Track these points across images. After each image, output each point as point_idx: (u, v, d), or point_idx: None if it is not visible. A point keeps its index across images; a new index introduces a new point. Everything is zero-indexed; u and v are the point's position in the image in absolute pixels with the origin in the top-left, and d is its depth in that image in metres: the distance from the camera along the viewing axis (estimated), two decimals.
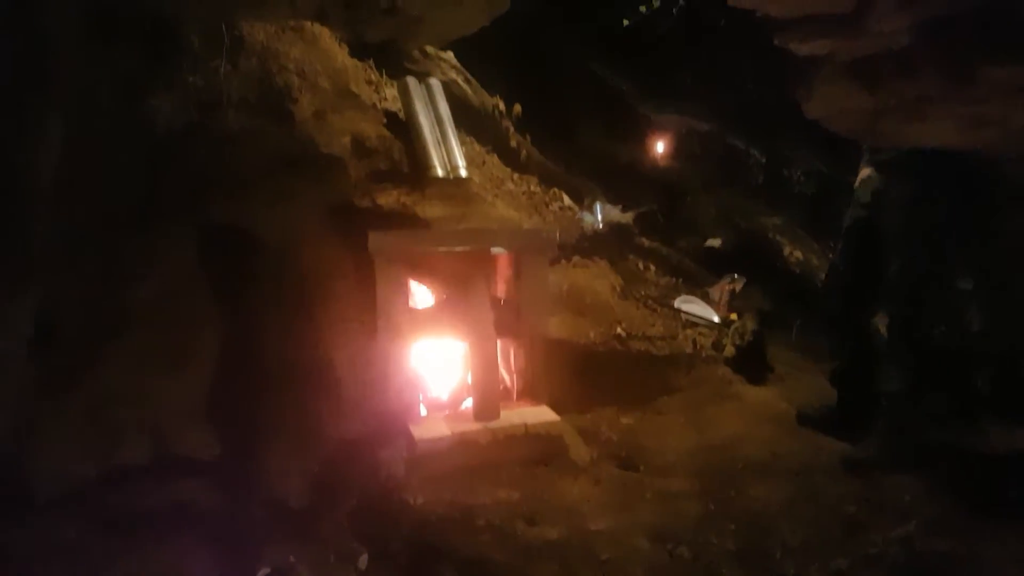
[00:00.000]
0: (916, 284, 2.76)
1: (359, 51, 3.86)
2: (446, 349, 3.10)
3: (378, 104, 3.60)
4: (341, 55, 3.70)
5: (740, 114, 6.72)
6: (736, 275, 4.53)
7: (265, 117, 3.12)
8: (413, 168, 3.24)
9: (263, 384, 2.60)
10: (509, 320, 3.03)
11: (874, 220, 2.88)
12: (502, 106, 4.65)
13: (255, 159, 2.94)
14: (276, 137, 3.07)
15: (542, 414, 2.89)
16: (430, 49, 4.24)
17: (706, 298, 4.26)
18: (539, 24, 5.88)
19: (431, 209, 3.00)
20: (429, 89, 3.51)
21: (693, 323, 3.73)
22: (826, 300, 3.23)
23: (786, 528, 2.42)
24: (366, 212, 2.99)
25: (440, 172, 3.14)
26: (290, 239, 2.84)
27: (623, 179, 6.17)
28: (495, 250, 2.98)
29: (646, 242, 4.87)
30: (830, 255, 5.48)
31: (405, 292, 2.85)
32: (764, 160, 7.79)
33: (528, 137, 5.00)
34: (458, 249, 2.93)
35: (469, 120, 4.33)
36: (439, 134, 3.32)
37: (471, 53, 4.67)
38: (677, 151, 7.35)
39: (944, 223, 2.77)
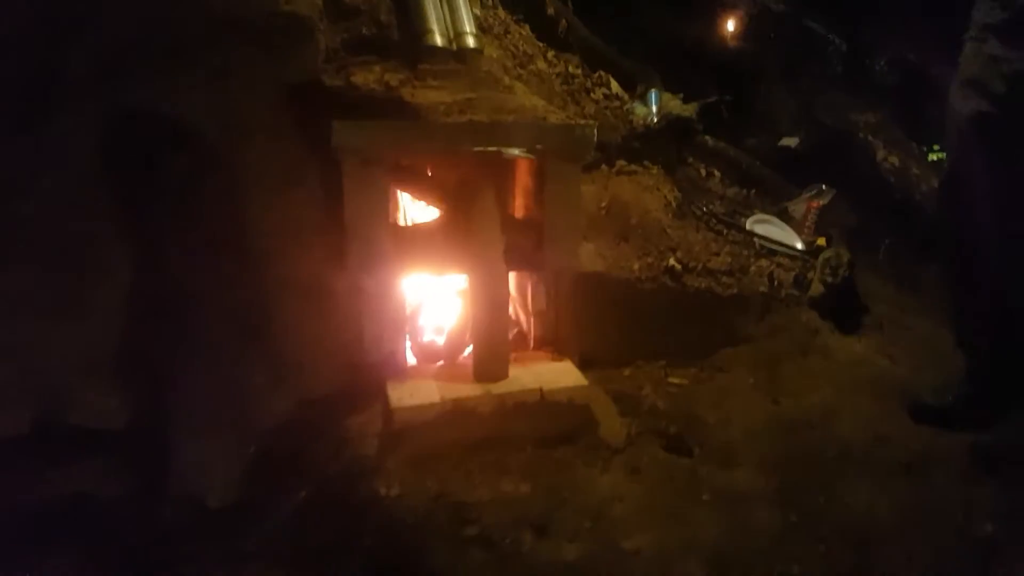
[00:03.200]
0: None
1: None
2: (444, 280, 2.45)
3: None
4: None
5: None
6: (824, 186, 3.72)
7: None
8: (405, 35, 2.48)
9: (188, 330, 1.99)
10: (527, 247, 2.35)
11: (1015, 118, 2.03)
12: None
13: (189, 18, 2.22)
14: None
15: (565, 374, 2.25)
16: None
17: (785, 216, 3.48)
18: None
19: (424, 93, 2.27)
20: None
21: (770, 251, 2.98)
22: (950, 242, 2.37)
23: (896, 552, 1.80)
24: (336, 94, 2.27)
25: (439, 40, 2.38)
26: (231, 131, 2.16)
27: (686, 64, 5.31)
28: (510, 152, 2.25)
29: (710, 141, 4.05)
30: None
31: (384, 206, 2.17)
32: (844, 47, 7.07)
33: (570, 5, 4.12)
34: (460, 150, 2.22)
35: None
36: None
37: None
38: (748, 33, 6.68)
39: None
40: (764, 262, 2.88)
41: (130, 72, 2.09)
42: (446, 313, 2.47)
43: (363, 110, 2.24)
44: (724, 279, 2.66)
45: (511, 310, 2.65)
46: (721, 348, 2.60)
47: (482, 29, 2.95)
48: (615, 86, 3.87)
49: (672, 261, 2.60)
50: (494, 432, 2.10)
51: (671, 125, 3.55)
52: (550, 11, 3.87)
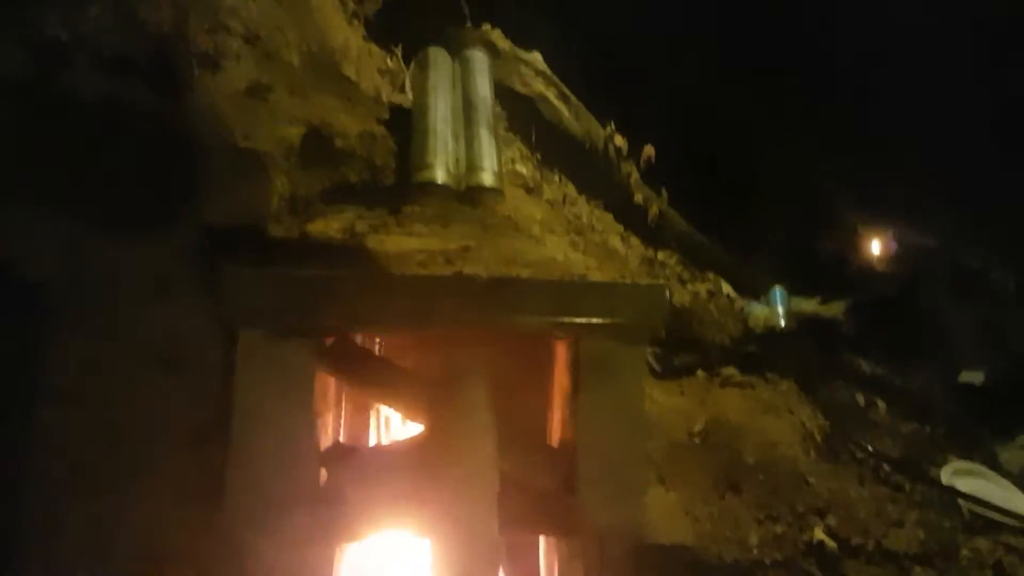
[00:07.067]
0: None
1: (384, 34, 2.60)
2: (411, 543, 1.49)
3: (385, 97, 2.25)
4: (344, 32, 2.44)
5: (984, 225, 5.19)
6: None
7: (148, 84, 1.85)
8: (400, 176, 1.80)
9: None
10: (554, 491, 1.39)
11: None
12: (620, 141, 3.15)
13: (87, 144, 1.64)
14: (151, 113, 1.77)
15: None
16: (504, 44, 2.90)
17: (995, 467, 2.30)
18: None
19: (400, 240, 1.51)
20: (465, 65, 2.12)
21: (986, 520, 1.81)
22: None
23: None
24: (275, 247, 1.55)
25: (440, 175, 1.66)
26: (97, 293, 1.45)
27: (823, 274, 4.51)
28: (526, 326, 1.39)
29: (866, 366, 3.00)
30: None
31: (305, 411, 1.31)
32: (1012, 284, 6.19)
33: (666, 194, 3.44)
34: (439, 322, 1.38)
35: (565, 156, 2.88)
36: (462, 122, 1.86)
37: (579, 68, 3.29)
38: (896, 255, 6.00)
39: None
40: (982, 542, 1.71)
41: None
42: None
43: (306, 263, 1.49)
44: (917, 570, 1.52)
45: None
46: None
47: (528, 189, 2.25)
48: (726, 287, 3.01)
49: (820, 532, 1.52)
50: None
51: (806, 330, 2.58)
52: (638, 198, 3.17)
